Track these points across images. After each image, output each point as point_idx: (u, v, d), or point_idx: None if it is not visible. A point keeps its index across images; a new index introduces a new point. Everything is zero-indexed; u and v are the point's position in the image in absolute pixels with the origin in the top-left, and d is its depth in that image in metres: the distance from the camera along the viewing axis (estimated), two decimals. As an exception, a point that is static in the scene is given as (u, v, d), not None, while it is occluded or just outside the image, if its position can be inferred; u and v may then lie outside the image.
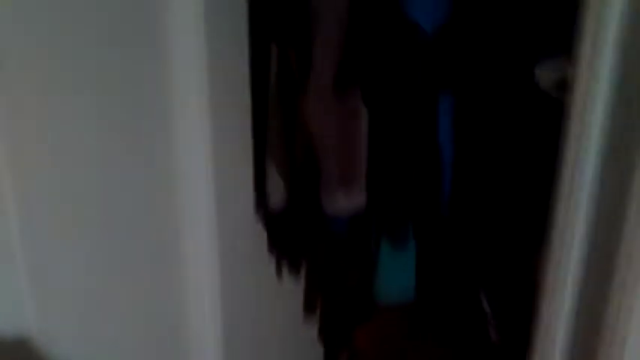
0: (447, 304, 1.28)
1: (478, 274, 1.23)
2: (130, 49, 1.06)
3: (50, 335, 1.05)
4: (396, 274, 1.30)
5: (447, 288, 1.27)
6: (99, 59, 1.01)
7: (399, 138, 1.15)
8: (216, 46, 1.13)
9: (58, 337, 1.07)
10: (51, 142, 1.00)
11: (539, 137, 1.05)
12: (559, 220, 0.96)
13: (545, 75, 0.96)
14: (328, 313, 1.47)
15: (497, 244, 1.20)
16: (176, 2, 1.06)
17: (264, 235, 1.39)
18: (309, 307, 1.46)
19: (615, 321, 0.84)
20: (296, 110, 1.22)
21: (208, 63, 1.13)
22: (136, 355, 1.24)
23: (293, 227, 1.32)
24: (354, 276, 1.35)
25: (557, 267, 1.00)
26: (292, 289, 1.42)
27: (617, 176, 0.85)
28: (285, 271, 1.42)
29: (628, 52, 0.81)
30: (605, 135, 0.89)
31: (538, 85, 0.98)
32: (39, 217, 1.01)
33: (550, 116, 1.03)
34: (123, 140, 1.09)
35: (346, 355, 1.47)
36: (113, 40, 1.02)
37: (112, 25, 1.02)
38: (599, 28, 0.84)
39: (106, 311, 1.14)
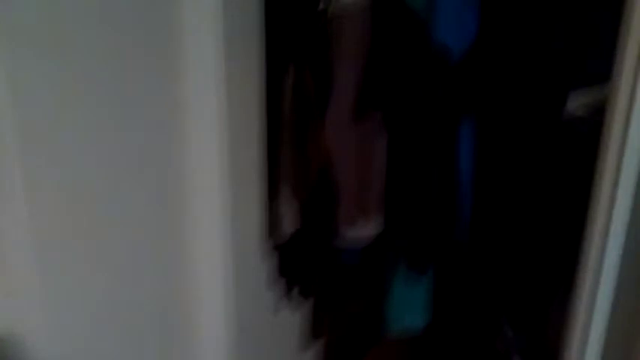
0: (465, 332, 1.24)
1: (499, 299, 1.20)
2: (146, 66, 1.02)
3: (52, 337, 1.01)
4: (407, 305, 1.26)
5: (466, 314, 1.24)
6: (113, 74, 0.97)
7: (418, 163, 1.12)
8: (233, 67, 1.10)
9: (63, 340, 1.03)
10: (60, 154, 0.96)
11: (561, 163, 1.04)
12: (592, 252, 0.94)
13: (575, 98, 0.95)
14: (336, 340, 1.43)
15: (519, 268, 1.17)
16: (194, 17, 1.03)
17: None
18: (316, 332, 1.42)
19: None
20: (311, 133, 1.19)
21: (225, 82, 1.10)
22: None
23: (305, 254, 1.28)
24: (365, 304, 1.31)
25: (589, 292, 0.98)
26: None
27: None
28: (294, 295, 1.39)
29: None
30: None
31: (564, 112, 0.96)
32: (47, 217, 0.96)
33: (576, 145, 1.02)
34: (134, 151, 1.05)
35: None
36: (130, 56, 0.99)
37: (127, 44, 0.98)
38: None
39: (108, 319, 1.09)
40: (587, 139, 0.96)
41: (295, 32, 1.12)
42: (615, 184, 0.87)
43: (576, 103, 0.94)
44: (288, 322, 1.44)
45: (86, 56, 0.94)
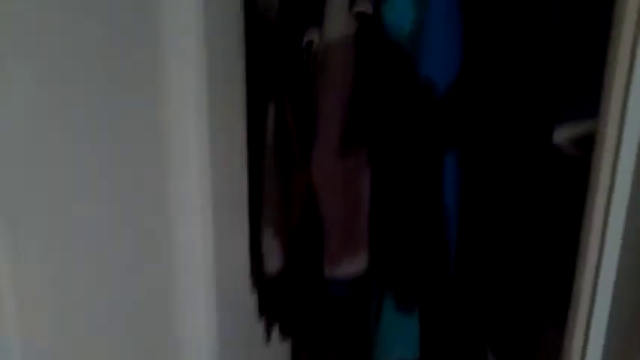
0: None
1: (485, 331, 1.19)
2: (128, 98, 0.99)
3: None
4: (397, 336, 1.24)
5: (453, 347, 1.22)
6: (95, 105, 0.94)
7: (404, 198, 1.11)
8: (215, 102, 1.07)
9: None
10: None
11: (550, 197, 1.04)
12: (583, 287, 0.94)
13: (562, 132, 0.95)
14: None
15: (505, 302, 1.16)
16: (177, 49, 1.01)
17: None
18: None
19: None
20: (294, 169, 1.17)
21: (207, 117, 1.07)
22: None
23: (289, 292, 1.25)
24: (354, 336, 1.28)
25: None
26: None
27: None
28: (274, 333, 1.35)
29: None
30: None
31: (551, 146, 0.96)
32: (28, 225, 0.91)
33: (563, 177, 1.02)
34: (113, 181, 1.01)
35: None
36: (110, 88, 0.95)
37: (111, 74, 0.95)
38: (628, 85, 0.83)
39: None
40: (574, 168, 0.97)
41: (278, 66, 1.11)
42: (605, 224, 0.87)
43: (563, 136, 0.95)
44: (276, 354, 1.40)
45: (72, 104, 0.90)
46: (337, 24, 1.02)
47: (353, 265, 1.17)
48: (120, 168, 1.00)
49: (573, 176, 0.96)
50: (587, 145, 0.89)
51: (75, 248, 0.94)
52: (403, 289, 1.18)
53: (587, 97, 0.89)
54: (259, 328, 1.36)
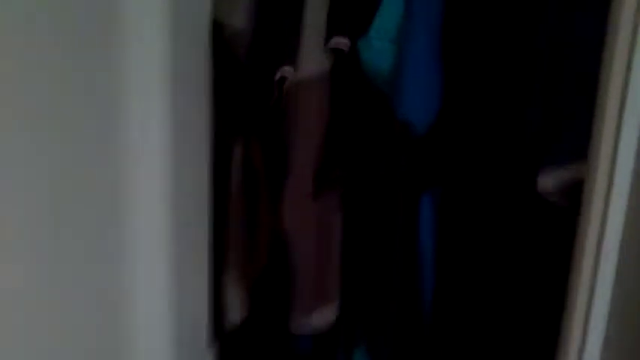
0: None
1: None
2: (83, 135, 0.90)
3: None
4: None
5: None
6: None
7: (378, 242, 1.05)
8: (179, 137, 1.00)
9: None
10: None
11: (532, 244, 0.99)
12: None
13: (545, 180, 0.91)
14: None
15: (483, 349, 1.10)
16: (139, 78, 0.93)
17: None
18: None
19: None
20: (260, 212, 1.10)
21: (170, 154, 0.99)
22: None
23: (252, 345, 1.15)
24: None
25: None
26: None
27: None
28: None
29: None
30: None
31: (534, 191, 0.92)
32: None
33: (547, 225, 0.98)
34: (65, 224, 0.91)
35: None
36: (68, 123, 0.87)
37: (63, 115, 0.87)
38: (618, 133, 0.80)
39: None
40: (559, 216, 0.93)
41: (246, 104, 1.04)
42: (595, 273, 0.83)
43: (549, 181, 0.90)
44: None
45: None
46: (312, 60, 0.97)
47: (322, 317, 1.09)
48: (71, 211, 0.91)
49: (558, 224, 0.92)
50: (574, 194, 0.85)
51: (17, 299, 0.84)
52: (376, 340, 1.11)
53: (573, 138, 0.86)
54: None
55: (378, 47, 0.95)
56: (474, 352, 1.07)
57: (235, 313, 1.13)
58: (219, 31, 1.03)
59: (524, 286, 0.98)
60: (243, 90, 1.04)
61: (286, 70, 0.97)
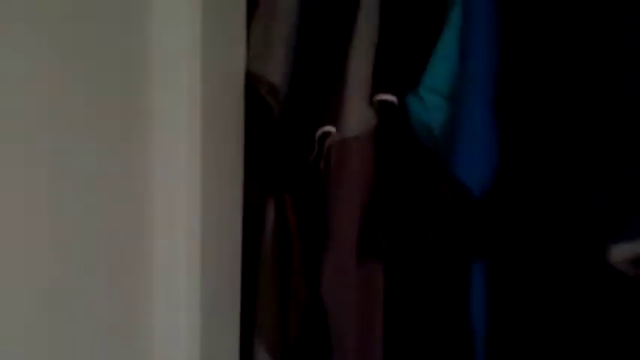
0: None
1: None
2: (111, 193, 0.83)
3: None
4: None
5: None
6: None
7: (426, 316, 0.96)
8: (209, 194, 0.92)
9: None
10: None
11: (598, 315, 0.90)
12: None
13: (619, 251, 0.82)
14: None
15: None
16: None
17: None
18: None
19: None
20: (293, 279, 1.02)
21: (200, 209, 0.91)
22: None
23: None
24: None
25: None
26: None
27: None
28: None
29: None
30: None
31: (604, 265, 0.83)
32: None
33: (614, 293, 0.89)
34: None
35: None
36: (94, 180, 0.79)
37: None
38: None
39: None
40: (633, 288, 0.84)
41: (282, 160, 0.97)
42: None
43: (619, 257, 0.82)
44: None
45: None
46: (356, 116, 0.90)
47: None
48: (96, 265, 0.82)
49: (631, 296, 0.83)
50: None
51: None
52: None
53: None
54: None
55: (430, 103, 0.87)
56: None
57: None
58: (254, 84, 0.97)
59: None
60: (278, 146, 0.97)
61: (328, 128, 0.90)
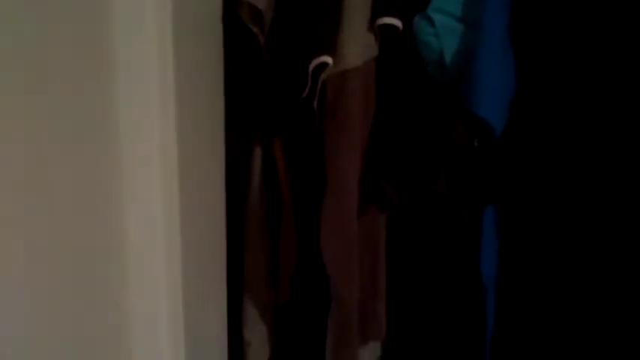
0: None
1: None
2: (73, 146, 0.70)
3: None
4: None
5: None
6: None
7: (434, 265, 0.86)
8: (186, 139, 0.79)
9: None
10: None
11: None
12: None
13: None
14: None
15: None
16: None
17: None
18: None
19: None
20: (283, 232, 0.91)
21: (177, 158, 0.79)
22: None
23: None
24: None
25: None
26: None
27: None
28: None
29: None
30: None
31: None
32: None
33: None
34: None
35: None
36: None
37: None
38: None
39: None
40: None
41: (269, 98, 0.84)
42: None
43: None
44: None
45: None
46: (355, 44, 0.77)
47: (366, 355, 0.91)
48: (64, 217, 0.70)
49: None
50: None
51: None
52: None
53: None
54: None
55: (442, 25, 0.75)
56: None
57: (256, 356, 0.94)
58: (233, 11, 0.83)
59: (620, 318, 0.80)
60: (264, 82, 0.84)
61: (324, 59, 0.77)
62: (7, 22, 0.59)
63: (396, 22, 0.76)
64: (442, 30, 0.75)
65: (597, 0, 0.74)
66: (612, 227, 0.78)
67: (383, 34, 0.78)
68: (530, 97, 0.78)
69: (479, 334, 0.88)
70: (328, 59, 0.76)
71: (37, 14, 0.62)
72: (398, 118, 0.79)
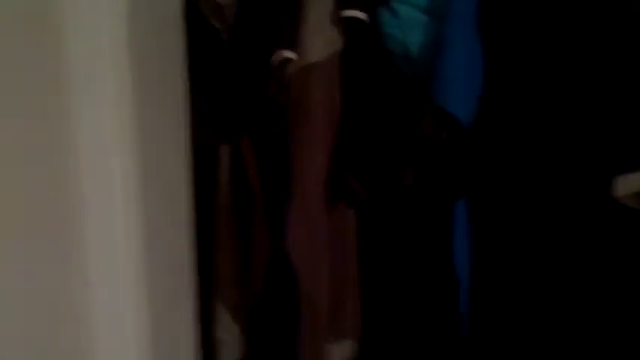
0: None
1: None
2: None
3: None
4: None
5: None
6: None
7: (405, 262, 0.85)
8: (147, 139, 0.77)
9: None
10: None
11: (599, 253, 0.81)
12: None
13: (626, 183, 0.72)
14: None
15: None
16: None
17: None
18: None
19: None
20: (255, 229, 0.89)
21: (139, 161, 0.77)
22: None
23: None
24: None
25: None
26: None
27: None
28: None
29: None
30: None
31: (608, 199, 0.73)
32: None
33: (616, 228, 0.80)
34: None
35: None
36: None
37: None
38: None
39: None
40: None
41: (235, 95, 0.82)
42: None
43: (624, 190, 0.72)
44: None
45: None
46: (319, 38, 0.76)
47: (337, 353, 0.89)
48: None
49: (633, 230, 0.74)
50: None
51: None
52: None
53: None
54: None
55: (406, 17, 0.74)
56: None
57: (229, 354, 0.93)
58: (195, 2, 0.81)
59: (592, 307, 0.80)
60: (228, 78, 0.82)
61: (286, 54, 0.75)
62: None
63: (360, 15, 0.74)
64: (406, 22, 0.74)
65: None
66: (582, 218, 0.77)
67: (348, 27, 0.77)
68: (500, 90, 0.77)
69: (453, 328, 0.87)
70: (291, 54, 0.74)
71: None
72: (364, 112, 0.78)
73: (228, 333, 0.92)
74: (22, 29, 0.65)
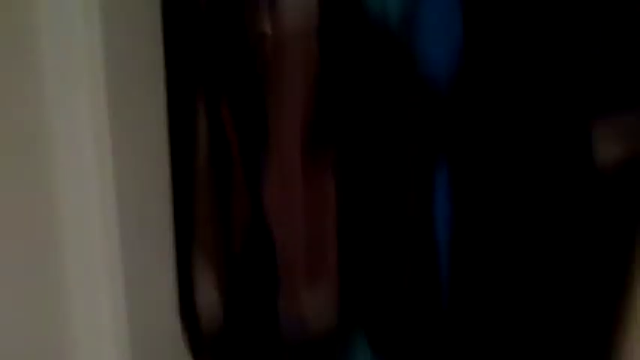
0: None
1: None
2: None
3: None
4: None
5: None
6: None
7: (384, 220, 0.85)
8: (120, 97, 0.76)
9: None
10: None
11: (583, 218, 0.81)
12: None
13: (606, 145, 0.72)
14: None
15: (507, 340, 0.94)
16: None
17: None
18: None
19: None
20: (235, 186, 0.89)
21: (110, 117, 0.76)
22: None
23: (236, 349, 0.96)
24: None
25: None
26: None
27: None
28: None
29: None
30: None
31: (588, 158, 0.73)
32: None
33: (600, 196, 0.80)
34: None
35: None
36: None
37: None
38: None
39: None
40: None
41: (213, 56, 0.80)
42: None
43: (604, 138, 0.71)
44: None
45: None
46: (294, 6, 0.73)
47: (316, 303, 0.91)
48: None
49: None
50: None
51: None
52: (383, 333, 0.93)
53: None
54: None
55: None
56: (500, 347, 0.91)
57: (209, 317, 0.93)
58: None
59: (571, 275, 0.80)
60: (206, 42, 0.80)
61: (260, 27, 0.73)
62: None
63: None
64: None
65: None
66: (567, 185, 0.77)
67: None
68: (481, 46, 0.76)
69: (433, 299, 0.88)
70: (265, 28, 0.73)
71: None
72: (343, 78, 0.76)
73: (209, 299, 0.93)
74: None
